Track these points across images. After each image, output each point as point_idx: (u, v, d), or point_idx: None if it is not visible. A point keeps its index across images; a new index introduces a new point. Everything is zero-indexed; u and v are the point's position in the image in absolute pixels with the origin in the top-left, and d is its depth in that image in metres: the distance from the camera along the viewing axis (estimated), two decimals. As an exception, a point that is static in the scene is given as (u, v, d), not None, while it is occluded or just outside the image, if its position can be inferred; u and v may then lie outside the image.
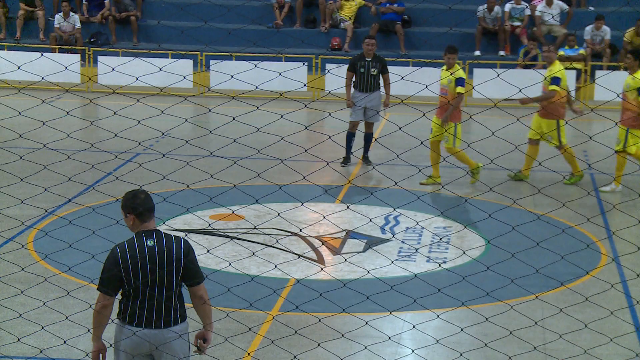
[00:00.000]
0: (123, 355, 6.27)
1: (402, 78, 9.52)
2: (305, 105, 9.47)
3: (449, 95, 14.23)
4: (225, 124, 8.12)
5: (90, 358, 6.33)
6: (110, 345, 6.32)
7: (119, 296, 6.27)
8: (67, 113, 8.00)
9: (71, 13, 24.85)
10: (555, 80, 14.31)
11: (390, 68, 15.69)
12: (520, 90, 7.75)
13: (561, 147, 14.45)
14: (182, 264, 6.17)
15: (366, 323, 8.56)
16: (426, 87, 8.43)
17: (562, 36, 24.32)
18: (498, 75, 8.96)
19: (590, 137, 12.09)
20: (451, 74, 14.25)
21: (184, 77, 11.06)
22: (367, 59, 15.41)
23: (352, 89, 15.57)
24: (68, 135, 7.89)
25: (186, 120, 9.19)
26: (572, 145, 14.78)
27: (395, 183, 14.08)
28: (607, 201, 13.56)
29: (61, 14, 24.83)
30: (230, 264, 10.22)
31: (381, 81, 15.55)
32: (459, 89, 14.19)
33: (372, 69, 15.37)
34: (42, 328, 8.39)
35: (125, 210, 6.25)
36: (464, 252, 10.84)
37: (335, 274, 10.70)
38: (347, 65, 15.85)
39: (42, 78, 6.88)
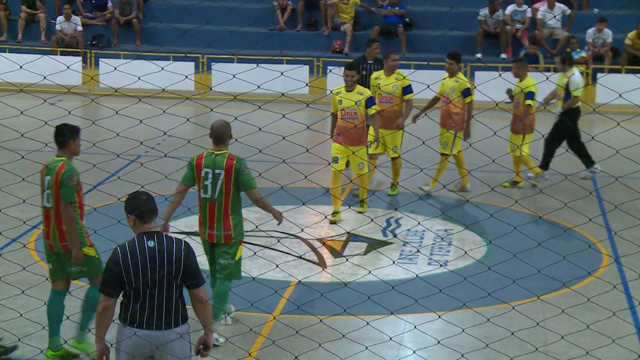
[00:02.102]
0: (124, 356, 6.27)
1: (404, 77, 9.52)
2: (307, 105, 9.48)
3: (358, 117, 12.62)
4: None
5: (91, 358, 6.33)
6: (112, 345, 6.32)
7: (120, 297, 6.27)
8: (69, 112, 8.00)
9: (73, 15, 24.87)
10: (530, 95, 14.32)
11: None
12: (521, 90, 7.75)
13: (450, 155, 14.30)
14: (182, 264, 6.18)
15: (367, 324, 8.56)
16: (428, 87, 8.45)
17: (564, 39, 24.33)
18: (500, 75, 8.96)
19: (592, 137, 12.14)
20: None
21: (186, 77, 11.08)
22: (369, 62, 15.41)
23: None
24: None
25: (188, 119, 9.19)
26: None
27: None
28: (609, 201, 13.54)
29: (63, 16, 24.85)
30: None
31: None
32: (371, 110, 12.75)
33: (374, 72, 15.39)
34: (43, 328, 8.39)
35: (127, 211, 6.29)
36: (466, 253, 10.83)
37: (337, 275, 10.70)
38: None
39: (44, 77, 6.89)
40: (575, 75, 14.90)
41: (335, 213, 12.87)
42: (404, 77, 13.81)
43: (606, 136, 11.31)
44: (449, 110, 14.21)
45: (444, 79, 14.41)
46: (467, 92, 14.12)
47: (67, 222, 8.20)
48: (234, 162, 8.71)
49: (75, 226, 8.19)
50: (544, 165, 15.11)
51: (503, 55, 24.49)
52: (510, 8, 24.76)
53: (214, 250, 8.93)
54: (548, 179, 14.99)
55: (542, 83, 11.98)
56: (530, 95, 14.32)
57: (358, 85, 12.81)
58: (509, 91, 14.67)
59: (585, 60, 23.49)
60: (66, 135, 8.26)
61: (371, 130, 13.20)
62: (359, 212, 13.04)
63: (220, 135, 8.79)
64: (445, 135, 14.23)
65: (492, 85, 14.73)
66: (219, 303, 8.75)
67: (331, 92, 12.80)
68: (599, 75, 22.70)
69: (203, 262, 9.18)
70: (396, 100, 13.72)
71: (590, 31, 23.92)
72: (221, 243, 8.82)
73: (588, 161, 15.35)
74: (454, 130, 14.15)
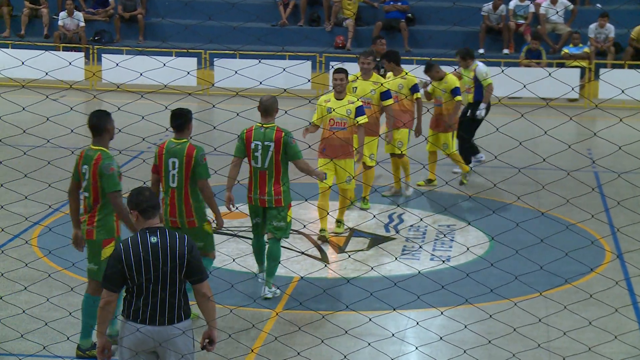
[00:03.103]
0: (127, 352, 6.27)
1: (407, 74, 9.52)
2: (310, 101, 9.48)
3: (348, 128, 11.71)
4: (228, 119, 8.11)
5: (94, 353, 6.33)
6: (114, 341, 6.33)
7: (123, 293, 6.28)
8: (71, 109, 7.99)
9: (75, 11, 24.87)
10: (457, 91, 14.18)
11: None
12: (524, 87, 7.73)
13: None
14: (186, 260, 6.18)
15: (370, 320, 8.56)
16: (429, 83, 8.43)
17: (567, 34, 24.31)
18: (502, 71, 8.96)
19: (595, 133, 12.09)
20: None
21: (188, 73, 11.13)
22: (376, 59, 15.40)
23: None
24: (72, 130, 7.88)
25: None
26: (577, 141, 14.76)
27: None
28: (611, 197, 13.54)
29: (65, 12, 24.86)
30: (234, 260, 10.23)
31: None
32: (361, 119, 11.78)
33: (382, 68, 15.37)
34: (46, 324, 8.40)
35: (130, 207, 6.30)
36: (468, 249, 10.83)
37: (339, 271, 10.70)
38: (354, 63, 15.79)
39: (47, 74, 6.89)
40: (480, 66, 14.85)
41: (322, 230, 11.85)
42: (382, 84, 12.96)
43: (609, 132, 11.30)
44: (399, 109, 13.69)
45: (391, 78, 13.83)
46: (414, 89, 13.69)
47: (207, 197, 8.86)
48: (283, 134, 9.51)
49: (214, 200, 8.88)
50: (468, 159, 15.13)
51: (505, 51, 24.48)
52: (513, 3, 24.75)
53: (264, 214, 9.78)
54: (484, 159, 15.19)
55: (543, 80, 11.94)
56: (456, 91, 14.24)
57: (348, 94, 11.91)
58: (424, 85, 14.38)
59: (588, 55, 23.47)
60: (184, 119, 8.80)
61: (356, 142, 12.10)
62: (335, 232, 12.11)
63: (268, 108, 9.58)
64: (400, 134, 13.64)
65: (494, 81, 14.78)
66: (273, 262, 9.72)
67: (331, 95, 11.91)
68: (601, 70, 22.68)
69: (205, 258, 9.19)
70: (374, 105, 12.94)
71: (593, 26, 23.89)
72: (272, 207, 9.66)
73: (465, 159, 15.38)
74: (406, 128, 13.75)
